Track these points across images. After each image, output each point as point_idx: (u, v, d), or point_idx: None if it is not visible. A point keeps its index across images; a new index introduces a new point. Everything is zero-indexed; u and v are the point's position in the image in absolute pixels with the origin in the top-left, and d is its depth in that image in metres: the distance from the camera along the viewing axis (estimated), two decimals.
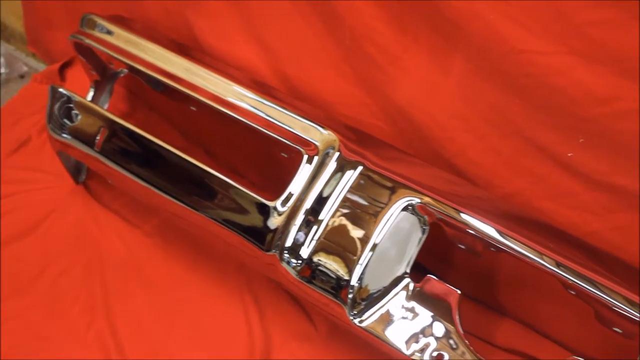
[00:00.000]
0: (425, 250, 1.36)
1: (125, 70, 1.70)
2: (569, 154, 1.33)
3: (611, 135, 1.29)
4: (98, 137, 1.54)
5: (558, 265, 1.27)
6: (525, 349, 1.40)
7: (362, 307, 1.34)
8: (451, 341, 1.29)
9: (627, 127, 1.27)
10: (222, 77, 1.52)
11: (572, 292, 1.26)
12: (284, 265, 1.38)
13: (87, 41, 1.61)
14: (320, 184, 1.38)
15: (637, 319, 1.22)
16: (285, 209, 1.38)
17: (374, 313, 1.35)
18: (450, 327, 1.31)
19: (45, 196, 1.74)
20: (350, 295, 1.33)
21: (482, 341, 1.40)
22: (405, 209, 1.34)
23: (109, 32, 1.62)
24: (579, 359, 1.26)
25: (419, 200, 1.34)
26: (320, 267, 1.34)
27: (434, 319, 1.32)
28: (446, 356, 1.29)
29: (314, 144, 1.40)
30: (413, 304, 1.34)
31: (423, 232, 1.35)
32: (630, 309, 1.22)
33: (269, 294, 1.55)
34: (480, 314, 1.43)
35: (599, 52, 1.24)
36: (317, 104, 1.56)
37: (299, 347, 1.48)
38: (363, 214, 1.34)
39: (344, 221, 1.35)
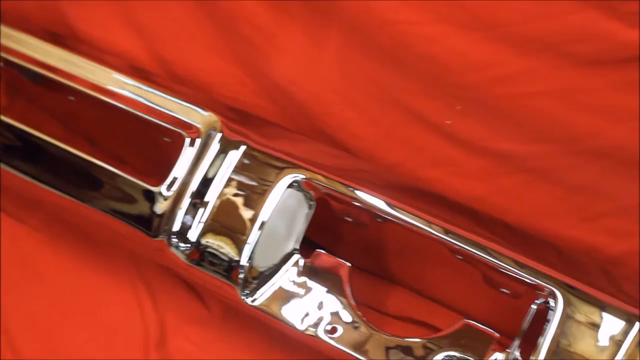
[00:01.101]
0: (314, 226, 1.37)
1: (0, 64, 1.65)
2: (448, 122, 1.35)
3: (489, 101, 1.31)
4: None
5: (446, 232, 1.28)
6: (417, 315, 1.42)
7: (253, 286, 1.34)
8: (344, 314, 1.30)
9: (505, 92, 1.29)
10: (99, 65, 1.50)
11: (460, 257, 1.28)
12: (173, 250, 1.37)
13: None
14: (205, 166, 1.38)
15: (523, 279, 1.22)
16: (170, 193, 1.37)
17: (266, 291, 1.35)
18: (342, 300, 1.31)
19: None
20: (241, 276, 1.33)
21: (375, 311, 1.41)
22: (290, 186, 1.34)
23: None
24: (469, 322, 1.27)
25: (303, 177, 1.34)
26: (209, 250, 1.34)
27: (326, 292, 1.32)
28: (340, 329, 1.29)
29: (195, 126, 1.40)
30: (304, 279, 1.34)
31: (310, 208, 1.35)
32: (517, 270, 1.24)
33: (160, 280, 1.54)
34: (371, 285, 1.44)
35: (473, 20, 1.26)
36: (196, 86, 1.55)
37: (193, 331, 1.47)
38: (249, 193, 1.34)
39: (231, 202, 1.35)
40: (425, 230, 1.29)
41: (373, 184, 1.34)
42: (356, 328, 1.30)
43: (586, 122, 1.28)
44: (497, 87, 1.29)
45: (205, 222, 1.35)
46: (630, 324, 1.20)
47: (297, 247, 1.35)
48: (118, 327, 1.51)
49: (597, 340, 1.20)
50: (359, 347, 1.31)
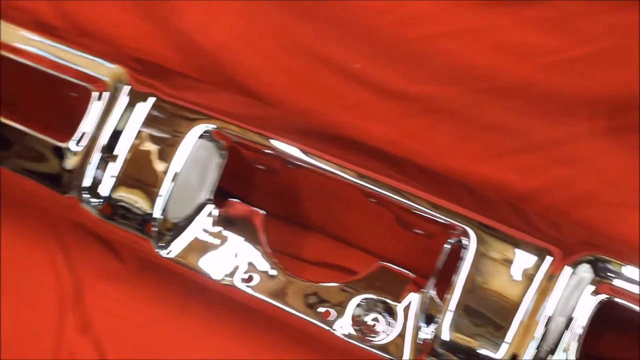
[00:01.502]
0: (227, 175, 1.36)
1: None
2: (357, 66, 1.35)
3: (396, 43, 1.31)
4: None
5: (359, 176, 1.28)
6: (334, 260, 1.43)
7: (168, 238, 1.34)
8: (260, 262, 1.30)
9: (411, 34, 1.30)
10: (2, 22, 1.45)
11: (373, 200, 1.28)
12: (84, 205, 1.36)
13: None
14: (114, 119, 1.37)
15: (436, 219, 1.23)
16: (79, 148, 1.36)
17: (180, 243, 1.35)
18: (258, 248, 1.31)
19: None
20: (154, 229, 1.32)
21: (291, 258, 1.41)
22: (201, 136, 1.33)
23: None
24: (384, 264, 1.27)
25: (214, 126, 1.34)
26: (121, 204, 1.33)
27: (241, 241, 1.32)
28: (256, 277, 1.29)
29: (102, 80, 1.38)
30: (219, 229, 1.34)
31: (222, 157, 1.35)
32: (429, 210, 1.26)
33: (74, 238, 1.53)
34: (287, 231, 1.44)
35: None
36: (102, 39, 1.53)
37: (110, 286, 1.46)
38: (160, 145, 1.33)
39: (141, 155, 1.34)
40: (339, 175, 1.29)
41: (284, 130, 1.34)
42: (272, 276, 1.30)
43: (492, 61, 1.29)
44: (402, 29, 1.29)
45: (117, 176, 1.34)
46: (541, 258, 1.22)
47: (211, 197, 1.34)
48: (32, 287, 1.50)
49: (510, 276, 1.21)
50: (276, 294, 1.31)
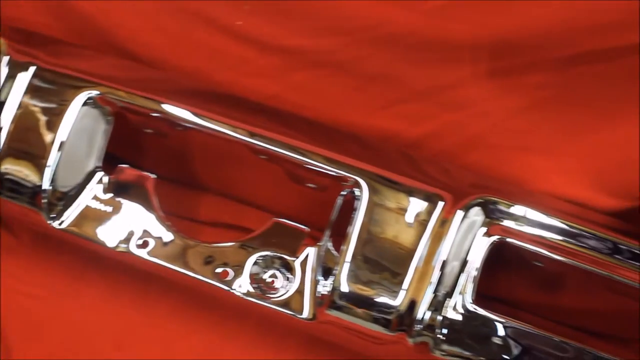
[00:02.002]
0: (115, 141, 1.34)
1: None
2: (239, 23, 1.33)
3: None
4: None
5: (249, 134, 1.29)
6: (229, 219, 1.42)
7: (59, 209, 1.32)
8: (154, 226, 1.29)
9: None
10: None
11: (264, 157, 1.28)
12: None
13: None
14: None
15: (327, 172, 1.24)
16: None
17: (72, 213, 1.34)
18: (151, 212, 1.31)
19: None
20: (44, 200, 1.31)
21: (187, 220, 1.40)
22: (85, 103, 1.31)
23: None
24: (279, 220, 1.27)
25: (98, 92, 1.33)
26: (8, 177, 1.31)
27: (133, 207, 1.31)
28: (151, 242, 1.28)
29: None
30: (110, 196, 1.34)
31: (108, 124, 1.33)
32: (319, 163, 1.28)
33: None
34: (180, 194, 1.43)
35: None
36: None
37: (5, 262, 1.42)
38: (44, 115, 1.32)
39: (26, 126, 1.33)
40: (227, 134, 1.29)
41: (170, 92, 1.33)
42: (168, 239, 1.30)
43: (372, 11, 1.29)
44: None
45: (1, 149, 1.29)
46: (433, 204, 1.24)
47: (100, 164, 1.33)
48: None
49: (404, 224, 1.23)
50: (172, 257, 1.31)
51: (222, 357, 1.38)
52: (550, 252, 1.22)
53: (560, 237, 1.22)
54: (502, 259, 1.27)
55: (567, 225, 1.23)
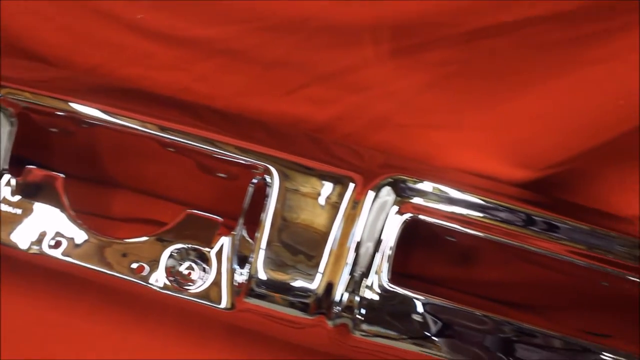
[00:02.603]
0: (21, 142, 1.32)
1: None
2: (139, 16, 1.32)
3: None
4: None
5: (155, 127, 1.28)
6: (142, 214, 1.42)
7: None
8: (65, 226, 1.28)
9: None
10: None
11: (172, 150, 1.26)
12: None
13: None
14: None
15: (237, 161, 1.24)
16: None
17: None
18: (62, 212, 1.29)
19: None
20: None
21: (99, 217, 1.38)
22: None
23: None
24: (191, 211, 1.27)
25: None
26: None
27: (44, 207, 1.30)
28: (64, 242, 1.27)
29: None
30: (19, 198, 1.30)
31: (12, 125, 1.31)
32: (228, 153, 1.29)
33: None
34: (91, 192, 1.41)
35: None
36: None
37: None
38: None
39: None
40: (134, 128, 1.30)
41: (74, 90, 1.33)
42: (80, 238, 1.29)
43: None
44: None
45: None
46: (344, 186, 1.25)
47: (6, 166, 1.31)
48: None
49: (316, 207, 1.23)
50: (86, 256, 1.30)
51: (144, 352, 1.38)
52: (462, 226, 1.23)
53: (471, 211, 1.23)
54: (415, 237, 1.28)
55: (477, 198, 1.24)
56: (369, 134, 1.33)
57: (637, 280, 1.24)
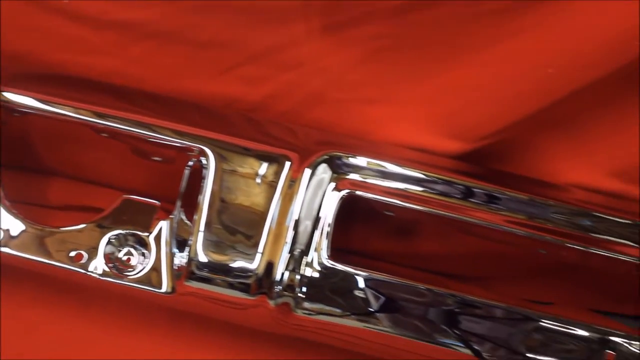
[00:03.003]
0: None
1: None
2: (66, 0, 1.30)
3: None
4: None
5: (88, 113, 1.27)
6: (79, 201, 1.41)
7: None
8: (1, 216, 1.25)
9: None
10: None
11: (106, 135, 1.25)
12: None
13: None
14: None
15: (171, 144, 1.24)
16: None
17: None
18: None
19: None
20: None
21: (36, 206, 1.37)
22: None
23: None
24: (128, 197, 1.26)
25: None
26: None
27: None
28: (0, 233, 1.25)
29: None
30: None
31: None
32: (163, 136, 1.28)
33: None
34: (26, 181, 1.39)
35: None
36: None
37: None
38: None
39: None
40: (67, 115, 1.28)
41: (3, 78, 1.29)
42: (17, 228, 1.27)
43: None
44: None
45: None
46: (280, 165, 1.25)
47: None
48: None
49: (254, 187, 1.24)
50: (24, 246, 1.30)
51: (88, 340, 1.37)
52: (399, 200, 1.24)
53: (408, 185, 1.24)
54: (354, 212, 1.28)
55: (413, 172, 1.25)
56: (303, 111, 1.32)
57: (576, 247, 1.22)
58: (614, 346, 1.25)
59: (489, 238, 1.30)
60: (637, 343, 1.24)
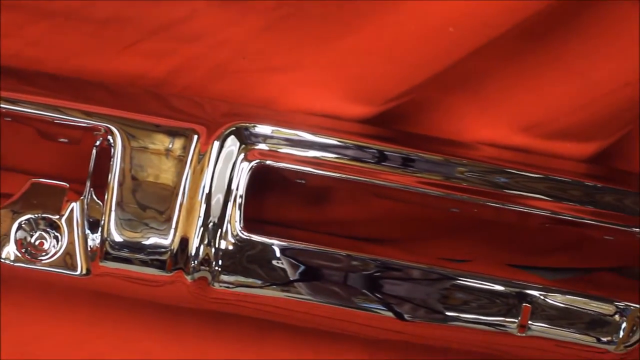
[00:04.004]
0: None
1: None
2: None
3: None
4: None
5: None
6: None
7: None
8: None
9: None
10: None
11: (9, 119, 1.24)
12: None
13: None
14: None
15: (76, 124, 1.24)
16: None
17: None
18: None
19: None
20: None
21: None
22: None
23: None
24: (36, 180, 1.25)
25: None
26: None
27: None
28: None
29: None
30: None
31: None
32: (66, 116, 1.28)
33: None
34: None
35: None
36: None
37: None
38: None
39: None
40: None
41: None
42: None
43: None
44: None
45: None
46: (189, 139, 1.27)
47: None
48: None
49: (163, 163, 1.23)
50: None
51: (9, 328, 1.34)
52: (310, 167, 1.23)
53: (317, 152, 1.24)
54: (267, 182, 1.27)
55: (322, 138, 1.24)
56: (209, 84, 1.32)
57: (490, 204, 1.23)
58: (530, 299, 1.25)
59: (403, 200, 1.30)
60: (552, 295, 1.24)
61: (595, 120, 1.28)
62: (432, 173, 1.26)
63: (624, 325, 1.27)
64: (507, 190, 1.27)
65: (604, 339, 1.29)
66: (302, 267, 1.24)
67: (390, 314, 1.26)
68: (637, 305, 1.29)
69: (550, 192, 1.27)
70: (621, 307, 1.28)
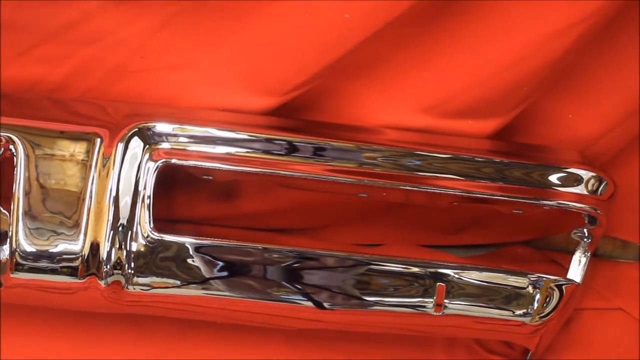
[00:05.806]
0: None
1: None
2: None
3: None
4: None
5: None
6: None
7: None
8: None
9: None
10: None
11: None
12: None
13: None
14: None
15: None
16: None
17: None
18: None
19: None
20: None
21: None
22: None
23: None
24: None
25: None
26: None
27: None
28: None
29: None
30: None
31: None
32: None
33: None
34: None
35: None
36: None
37: None
38: None
39: None
40: None
41: None
42: None
43: None
44: None
45: None
46: (92, 143, 1.26)
47: None
48: None
49: (68, 169, 1.23)
50: None
51: None
52: (215, 163, 1.23)
53: (222, 147, 1.24)
54: (174, 181, 1.26)
55: (226, 133, 1.23)
56: (108, 85, 1.30)
57: (400, 187, 1.24)
58: (445, 278, 1.26)
59: (312, 189, 1.30)
60: (466, 272, 1.26)
61: (493, 96, 1.30)
62: (341, 160, 1.27)
63: (537, 296, 1.29)
64: (418, 173, 1.26)
65: (519, 312, 1.30)
66: (216, 264, 1.23)
67: (309, 303, 1.27)
68: (550, 276, 1.29)
69: (460, 170, 1.28)
70: (534, 279, 1.29)
